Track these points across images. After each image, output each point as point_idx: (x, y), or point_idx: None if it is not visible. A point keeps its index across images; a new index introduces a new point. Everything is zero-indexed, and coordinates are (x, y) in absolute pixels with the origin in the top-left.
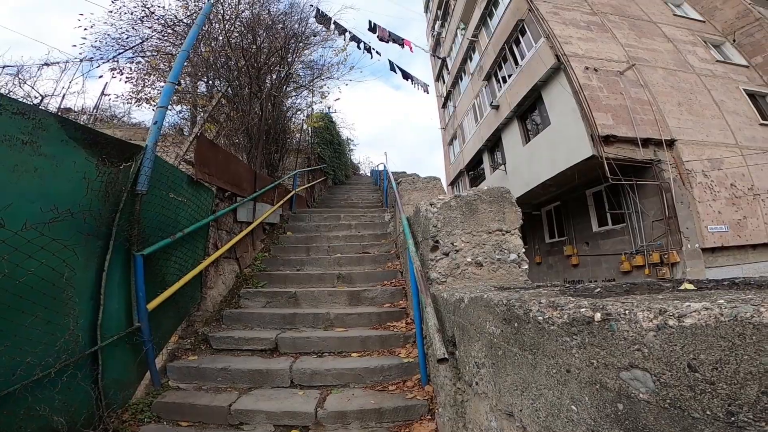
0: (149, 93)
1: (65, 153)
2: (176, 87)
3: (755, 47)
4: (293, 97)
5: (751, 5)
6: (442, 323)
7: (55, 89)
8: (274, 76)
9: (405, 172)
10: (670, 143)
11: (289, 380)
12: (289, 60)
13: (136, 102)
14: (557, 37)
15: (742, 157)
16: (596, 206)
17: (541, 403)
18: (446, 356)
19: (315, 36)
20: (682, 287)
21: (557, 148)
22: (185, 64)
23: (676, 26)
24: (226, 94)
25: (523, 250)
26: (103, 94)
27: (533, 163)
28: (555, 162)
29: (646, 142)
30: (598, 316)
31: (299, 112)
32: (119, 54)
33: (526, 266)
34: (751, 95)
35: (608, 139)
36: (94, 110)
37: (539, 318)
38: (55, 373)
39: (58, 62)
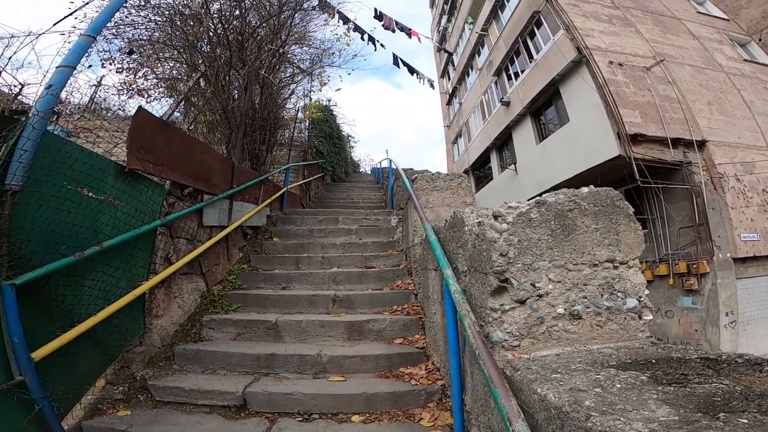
0: (142, 84)
1: None
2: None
3: None
4: (288, 81)
5: None
6: None
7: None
8: (264, 55)
9: (412, 169)
10: (701, 144)
11: None
12: (283, 37)
13: (128, 93)
14: (578, 29)
15: None
16: None
17: None
18: None
19: (314, 10)
20: None
21: (576, 147)
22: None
23: (700, 24)
24: (205, 74)
25: (647, 291)
26: (98, 84)
27: (547, 162)
28: (573, 162)
29: (676, 143)
30: None
31: (294, 98)
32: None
33: (650, 317)
34: None
35: (636, 138)
36: (90, 102)
37: None
38: None
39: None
